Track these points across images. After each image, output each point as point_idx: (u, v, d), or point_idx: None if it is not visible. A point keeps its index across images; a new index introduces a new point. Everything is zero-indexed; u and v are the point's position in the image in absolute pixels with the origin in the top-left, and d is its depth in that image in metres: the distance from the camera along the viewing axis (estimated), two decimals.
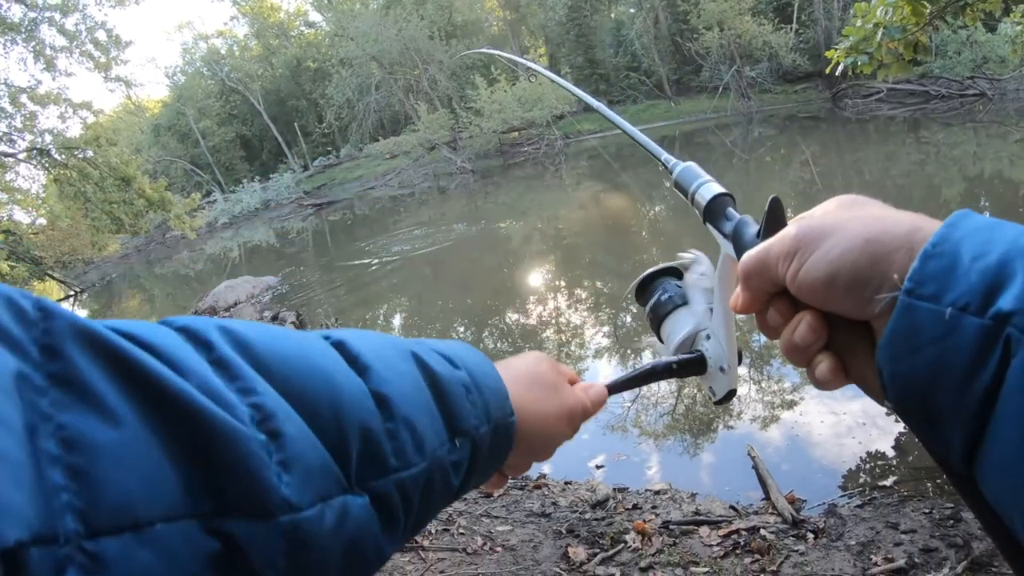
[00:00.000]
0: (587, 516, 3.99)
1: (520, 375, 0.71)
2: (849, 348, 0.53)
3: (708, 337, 0.74)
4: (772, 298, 0.58)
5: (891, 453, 4.57)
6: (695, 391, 6.45)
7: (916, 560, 3.09)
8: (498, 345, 8.74)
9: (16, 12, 17.97)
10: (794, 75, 31.38)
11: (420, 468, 0.51)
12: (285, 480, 0.40)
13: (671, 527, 3.74)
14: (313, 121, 41.40)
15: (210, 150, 40.11)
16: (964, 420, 0.43)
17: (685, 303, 0.78)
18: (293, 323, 9.52)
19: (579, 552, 3.53)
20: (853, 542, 3.31)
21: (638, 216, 15.88)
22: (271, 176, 35.53)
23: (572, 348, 8.20)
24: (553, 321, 9.33)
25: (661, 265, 0.81)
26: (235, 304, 11.88)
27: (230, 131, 41.55)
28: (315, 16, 44.99)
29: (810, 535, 3.44)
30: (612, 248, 12.96)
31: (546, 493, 4.45)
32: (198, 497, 0.36)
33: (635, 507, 4.14)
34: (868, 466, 4.55)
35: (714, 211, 0.70)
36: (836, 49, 4.83)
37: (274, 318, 10.06)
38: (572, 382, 0.79)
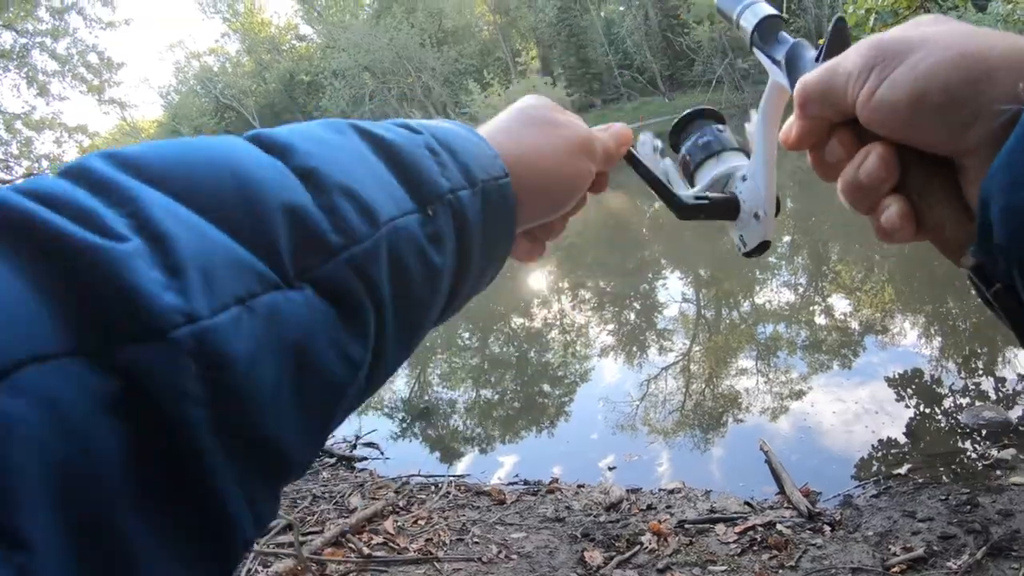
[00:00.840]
0: (602, 519, 3.97)
1: (505, 122, 0.61)
2: (923, 190, 0.45)
3: (744, 179, 0.65)
4: (833, 128, 0.50)
5: (903, 440, 4.57)
6: (703, 385, 6.44)
7: (935, 548, 3.07)
8: (505, 349, 8.74)
9: (7, 39, 18.03)
10: None
11: (376, 238, 0.42)
12: (174, 286, 0.32)
13: (687, 526, 3.72)
14: None
15: None
16: None
17: (725, 149, 0.69)
18: None
19: (595, 556, 3.51)
20: (871, 533, 3.30)
21: (638, 213, 15.87)
22: None
23: (578, 347, 8.21)
24: (558, 322, 9.33)
25: (702, 106, 0.71)
26: None
27: None
28: (306, 29, 45.11)
29: (827, 528, 3.43)
30: (614, 247, 12.96)
31: (559, 497, 4.44)
32: (74, 332, 0.29)
33: (649, 507, 4.12)
34: (880, 454, 4.54)
35: (764, 34, 0.61)
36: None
37: None
38: None
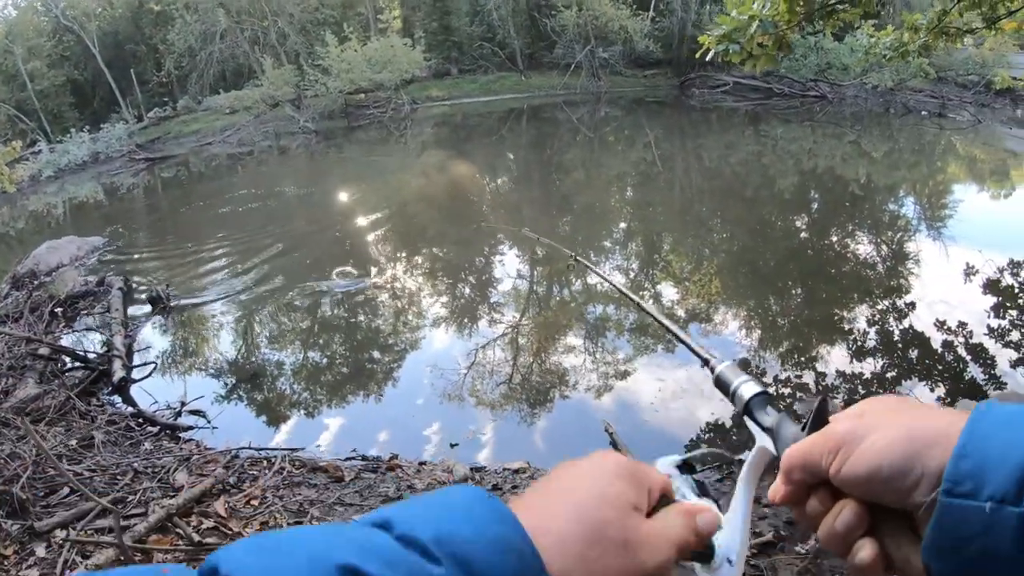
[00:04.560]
0: None
1: (571, 529, 0.51)
2: (890, 534, 0.55)
3: (720, 527, 0.68)
4: (812, 489, 0.60)
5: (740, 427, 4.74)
6: (539, 362, 6.46)
7: (783, 532, 3.17)
8: (335, 312, 8.37)
9: None
10: (645, 60, 32.40)
11: None
12: None
13: None
14: (151, 69, 38.11)
15: (37, 95, 35.65)
16: None
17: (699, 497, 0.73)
18: (121, 289, 8.71)
19: None
20: None
21: (480, 185, 15.90)
22: (102, 126, 32.33)
23: (409, 317, 8.07)
24: (390, 286, 9.10)
25: (683, 456, 0.76)
26: (58, 267, 10.79)
27: (60, 74, 37.29)
28: None
29: None
30: (453, 215, 12.87)
31: (400, 475, 4.27)
32: None
33: (495, 487, 4.04)
34: (726, 438, 4.71)
35: (755, 406, 0.73)
36: (709, 35, 4.88)
37: (100, 283, 9.15)
38: (662, 497, 0.61)
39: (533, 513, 0.51)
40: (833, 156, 17.59)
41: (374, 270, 9.66)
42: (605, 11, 30.45)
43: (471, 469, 4.36)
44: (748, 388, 0.75)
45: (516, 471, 4.33)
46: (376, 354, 7.25)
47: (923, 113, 23.03)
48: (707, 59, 5.00)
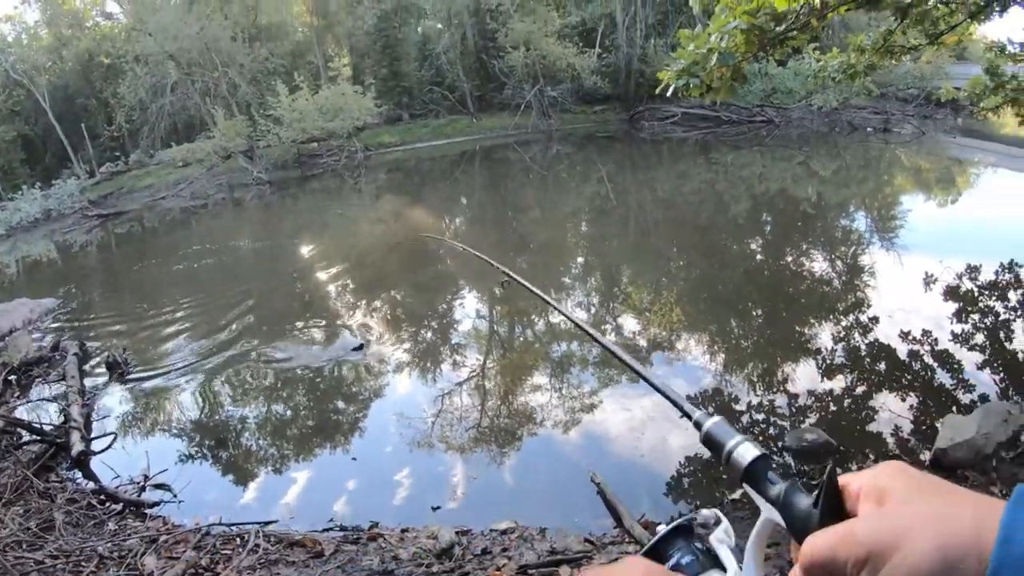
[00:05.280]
0: (435, 569, 3.66)
1: None
2: None
3: None
4: None
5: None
6: (515, 416, 6.32)
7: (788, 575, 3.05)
8: (301, 373, 8.15)
9: None
10: (594, 96, 32.94)
11: None
12: None
13: (530, 572, 3.50)
14: (102, 123, 37.57)
15: None
16: None
17: (707, 569, 0.74)
18: (76, 354, 8.37)
19: None
20: None
21: (438, 229, 15.88)
22: (54, 182, 31.69)
23: (371, 363, 7.96)
24: (379, 346, 8.92)
25: (673, 524, 0.76)
26: (10, 332, 10.42)
27: (11, 130, 36.52)
28: (113, 6, 40.80)
29: None
30: (411, 262, 12.76)
31: (383, 545, 4.07)
32: None
33: (484, 552, 3.87)
34: (715, 477, 4.63)
35: (756, 474, 0.68)
36: (667, 70, 4.91)
37: (54, 348, 8.80)
38: None
39: None
40: (784, 178, 17.95)
41: (362, 331, 9.41)
42: (552, 50, 30.96)
43: (457, 532, 4.18)
44: (746, 451, 0.70)
45: (504, 532, 4.16)
46: (342, 406, 7.09)
47: (868, 129, 23.77)
48: (667, 94, 5.02)
